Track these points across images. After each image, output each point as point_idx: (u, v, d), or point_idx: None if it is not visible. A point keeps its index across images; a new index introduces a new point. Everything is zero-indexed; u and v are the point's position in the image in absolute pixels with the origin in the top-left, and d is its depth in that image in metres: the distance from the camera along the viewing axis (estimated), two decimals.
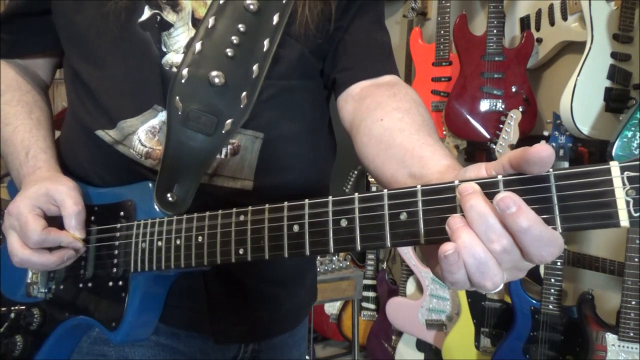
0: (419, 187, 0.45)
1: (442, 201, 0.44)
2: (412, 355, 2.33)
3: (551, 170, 0.40)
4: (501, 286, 0.42)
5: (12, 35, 0.80)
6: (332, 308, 2.72)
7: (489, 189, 0.42)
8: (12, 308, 0.77)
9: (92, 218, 0.71)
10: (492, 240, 0.41)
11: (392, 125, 0.66)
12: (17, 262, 0.67)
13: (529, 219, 0.39)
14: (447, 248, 0.41)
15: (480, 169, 0.46)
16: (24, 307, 0.76)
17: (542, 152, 0.39)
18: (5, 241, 0.79)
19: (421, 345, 2.30)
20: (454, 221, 0.42)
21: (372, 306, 2.62)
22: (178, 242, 0.62)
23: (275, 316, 0.82)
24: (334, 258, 2.16)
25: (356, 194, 0.49)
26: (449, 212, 0.44)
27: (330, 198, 0.50)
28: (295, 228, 0.52)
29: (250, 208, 0.56)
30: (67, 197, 0.67)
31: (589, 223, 0.39)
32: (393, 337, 2.45)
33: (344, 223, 0.49)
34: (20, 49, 0.81)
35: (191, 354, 0.76)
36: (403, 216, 0.45)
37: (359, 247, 0.48)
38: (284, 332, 0.85)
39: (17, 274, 0.76)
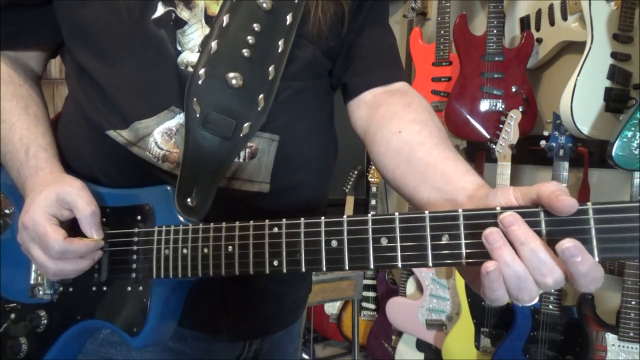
0: (460, 211, 0.48)
1: (484, 226, 0.47)
2: (412, 355, 2.33)
3: (589, 204, 0.44)
4: (536, 300, 0.47)
5: (7, 26, 0.75)
6: (332, 308, 2.72)
7: (527, 217, 0.45)
8: (9, 306, 0.75)
9: (104, 219, 0.69)
10: (544, 274, 0.45)
11: (411, 139, 0.67)
12: (53, 274, 0.65)
13: (589, 264, 0.43)
14: (488, 265, 0.45)
15: (509, 195, 0.49)
16: (23, 308, 0.74)
17: (568, 207, 0.43)
18: (3, 237, 0.78)
19: (421, 345, 2.30)
20: (494, 238, 0.45)
21: (372, 306, 2.62)
22: (205, 250, 0.62)
23: (281, 311, 0.83)
24: None
25: (396, 213, 0.50)
26: None
27: (369, 216, 0.52)
28: (334, 243, 0.53)
29: (284, 221, 0.57)
30: (78, 198, 0.65)
31: (624, 255, 0.43)
32: (393, 337, 2.45)
33: (384, 241, 0.50)
34: (15, 41, 0.77)
35: (197, 356, 0.76)
36: (445, 238, 0.48)
37: (400, 265, 0.50)
38: (287, 327, 0.86)
39: (19, 273, 0.74)
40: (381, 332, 2.50)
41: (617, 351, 1.61)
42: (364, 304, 2.62)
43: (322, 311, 2.72)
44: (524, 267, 0.44)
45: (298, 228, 0.55)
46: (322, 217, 0.54)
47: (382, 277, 2.58)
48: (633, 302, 1.56)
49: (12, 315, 0.75)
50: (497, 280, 0.45)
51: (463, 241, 0.47)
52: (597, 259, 0.43)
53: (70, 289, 0.71)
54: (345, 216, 0.53)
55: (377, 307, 2.61)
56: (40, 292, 0.72)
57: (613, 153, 1.51)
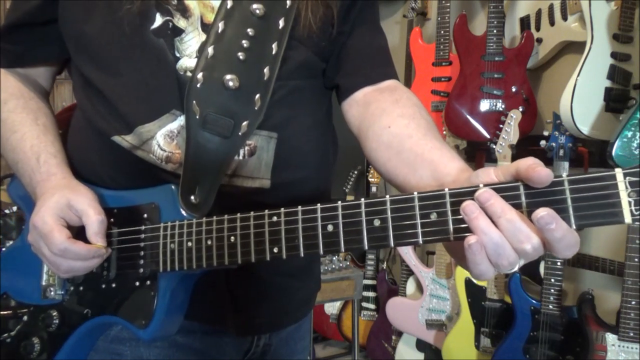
0: (446, 190, 0.51)
1: None
2: (412, 355, 2.33)
3: (564, 175, 0.47)
4: (517, 267, 0.49)
5: (16, 45, 0.80)
6: (332, 308, 2.72)
7: (508, 192, 0.49)
8: (21, 311, 0.77)
9: (112, 220, 0.72)
10: (522, 241, 0.47)
11: (400, 132, 0.70)
12: (64, 271, 0.69)
13: (563, 230, 0.46)
14: (470, 239, 0.48)
15: (490, 174, 0.52)
16: (36, 309, 0.76)
17: (544, 177, 0.46)
18: (4, 244, 0.80)
19: (421, 345, 2.31)
20: (470, 209, 0.48)
21: (372, 306, 2.62)
22: (209, 242, 0.64)
23: (289, 306, 0.85)
24: (334, 258, 2.16)
25: (387, 196, 0.53)
26: None
27: (362, 200, 0.54)
28: (330, 227, 0.56)
29: (282, 210, 0.59)
30: (89, 207, 0.69)
31: (599, 221, 0.46)
32: (393, 337, 2.45)
33: (377, 222, 0.53)
34: (24, 59, 0.81)
35: (206, 351, 0.78)
36: (433, 216, 0.51)
37: (392, 244, 0.53)
38: (296, 322, 0.88)
39: (30, 276, 0.76)
40: (381, 332, 2.50)
41: (617, 351, 1.61)
42: (364, 304, 2.62)
43: (322, 311, 2.72)
44: (500, 233, 0.47)
45: (296, 215, 0.58)
46: (318, 204, 0.57)
47: (382, 277, 2.58)
48: (633, 302, 1.56)
49: (25, 317, 0.77)
50: (480, 253, 0.48)
51: (450, 217, 0.50)
52: (574, 226, 0.46)
53: (81, 288, 0.74)
54: (339, 202, 0.56)
55: (377, 307, 2.61)
56: (52, 293, 0.74)
57: (613, 153, 1.51)
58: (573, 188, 0.46)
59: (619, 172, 0.45)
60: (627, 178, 0.45)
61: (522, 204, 0.48)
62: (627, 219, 0.45)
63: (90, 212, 0.68)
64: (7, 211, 0.81)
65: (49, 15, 0.76)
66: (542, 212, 0.45)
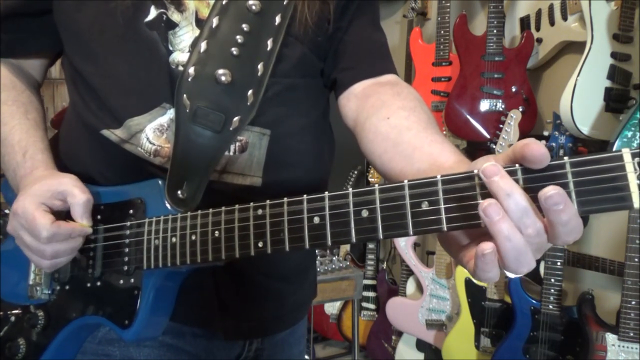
0: (439, 177, 0.47)
1: (463, 189, 0.46)
2: (412, 355, 2.33)
3: (566, 158, 0.42)
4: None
5: (9, 35, 0.79)
6: (332, 308, 2.72)
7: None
8: (12, 312, 0.76)
9: (99, 217, 0.71)
10: (527, 225, 0.42)
11: (399, 123, 0.67)
12: (50, 256, 0.66)
13: (571, 212, 0.41)
14: (485, 247, 0.43)
15: (490, 161, 0.47)
16: (22, 310, 0.74)
17: (536, 152, 0.42)
18: (3, 242, 0.79)
19: (421, 345, 2.30)
20: (494, 210, 0.42)
21: (372, 306, 2.62)
22: (193, 237, 0.62)
23: (282, 311, 0.83)
24: (334, 258, 2.16)
25: (376, 185, 0.50)
26: (469, 200, 0.46)
27: (350, 190, 0.51)
28: (316, 220, 0.53)
29: (268, 202, 0.57)
30: (73, 187, 0.67)
31: (604, 206, 0.41)
32: (393, 337, 2.45)
33: (365, 213, 0.50)
34: (17, 49, 0.80)
35: (196, 353, 0.76)
36: (424, 205, 0.47)
37: (381, 236, 0.49)
38: (288, 328, 0.86)
39: (18, 276, 0.75)
40: (381, 332, 2.50)
41: (617, 351, 1.61)
42: (364, 304, 2.62)
43: (322, 311, 2.72)
44: (524, 239, 0.43)
45: (281, 207, 0.56)
46: (305, 195, 0.54)
47: (382, 277, 2.58)
48: (633, 302, 1.56)
49: (13, 318, 0.75)
50: (493, 261, 0.43)
51: (442, 206, 0.46)
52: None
53: (67, 287, 0.72)
54: (326, 192, 0.53)
55: (377, 307, 2.61)
56: (38, 292, 0.73)
57: None
58: (575, 171, 0.42)
59: (626, 153, 0.41)
60: (636, 159, 0.40)
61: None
62: (637, 203, 0.40)
63: (75, 191, 0.67)
64: (6, 211, 0.81)
65: (44, 5, 0.75)
66: (552, 191, 0.40)
